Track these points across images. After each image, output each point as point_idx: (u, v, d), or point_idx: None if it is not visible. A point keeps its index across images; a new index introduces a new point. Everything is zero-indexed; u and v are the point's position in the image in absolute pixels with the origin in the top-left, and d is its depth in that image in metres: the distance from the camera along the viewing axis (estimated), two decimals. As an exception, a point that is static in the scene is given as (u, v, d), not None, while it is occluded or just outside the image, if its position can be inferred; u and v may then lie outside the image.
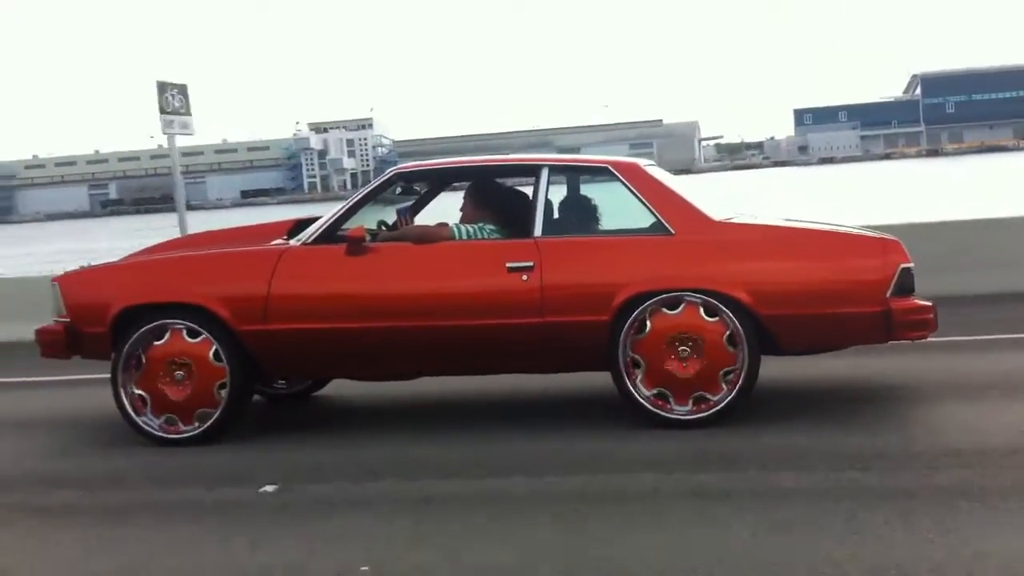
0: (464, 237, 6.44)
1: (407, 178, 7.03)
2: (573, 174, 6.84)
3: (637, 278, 6.10)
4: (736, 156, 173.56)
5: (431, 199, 7.46)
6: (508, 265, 6.21)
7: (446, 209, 7.20)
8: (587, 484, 5.19)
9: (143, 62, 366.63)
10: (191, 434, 6.40)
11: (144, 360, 6.42)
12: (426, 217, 7.05)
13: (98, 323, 6.48)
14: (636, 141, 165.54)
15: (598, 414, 6.51)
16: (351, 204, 6.62)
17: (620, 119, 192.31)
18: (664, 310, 6.07)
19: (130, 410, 6.43)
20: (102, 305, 6.49)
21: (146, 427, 6.44)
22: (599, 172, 6.73)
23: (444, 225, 6.54)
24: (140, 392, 6.43)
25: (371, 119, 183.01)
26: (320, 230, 6.51)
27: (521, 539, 4.50)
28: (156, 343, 6.41)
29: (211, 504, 5.32)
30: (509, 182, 7.16)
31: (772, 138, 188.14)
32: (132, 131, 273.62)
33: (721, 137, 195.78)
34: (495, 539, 4.54)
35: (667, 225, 6.23)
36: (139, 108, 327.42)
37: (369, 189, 6.72)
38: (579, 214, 6.66)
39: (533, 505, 4.95)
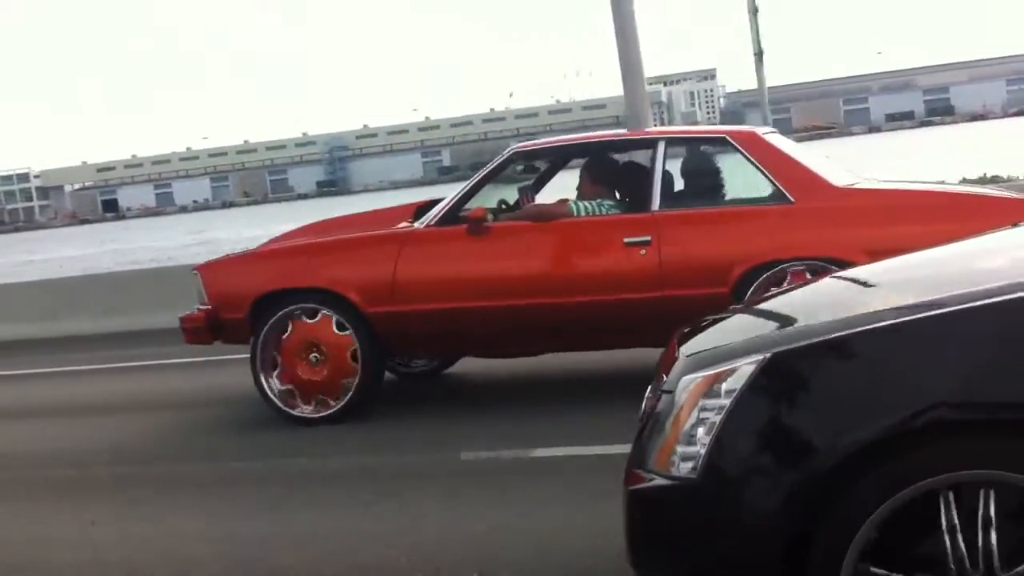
0: (582, 213, 6.74)
1: (526, 156, 7.39)
2: (689, 146, 7.02)
3: (756, 249, 6.25)
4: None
5: (551, 177, 7.76)
6: (625, 240, 6.47)
7: (566, 185, 7.48)
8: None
9: (460, 30, 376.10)
10: (326, 413, 6.97)
11: (282, 344, 7.01)
12: (548, 194, 7.36)
13: (237, 309, 7.13)
14: (1014, 77, 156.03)
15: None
16: (471, 185, 7.03)
17: (995, 54, 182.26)
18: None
19: (268, 390, 7.05)
20: (240, 293, 7.13)
21: (283, 407, 7.04)
22: (715, 143, 6.88)
23: (563, 202, 6.85)
24: (278, 373, 7.03)
25: (714, 69, 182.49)
26: (442, 212, 6.96)
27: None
28: (293, 326, 6.99)
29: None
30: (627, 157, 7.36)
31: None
32: (460, 97, 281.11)
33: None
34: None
35: (786, 193, 6.33)
36: (464, 73, 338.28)
37: (489, 169, 7.10)
38: (698, 186, 6.83)
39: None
